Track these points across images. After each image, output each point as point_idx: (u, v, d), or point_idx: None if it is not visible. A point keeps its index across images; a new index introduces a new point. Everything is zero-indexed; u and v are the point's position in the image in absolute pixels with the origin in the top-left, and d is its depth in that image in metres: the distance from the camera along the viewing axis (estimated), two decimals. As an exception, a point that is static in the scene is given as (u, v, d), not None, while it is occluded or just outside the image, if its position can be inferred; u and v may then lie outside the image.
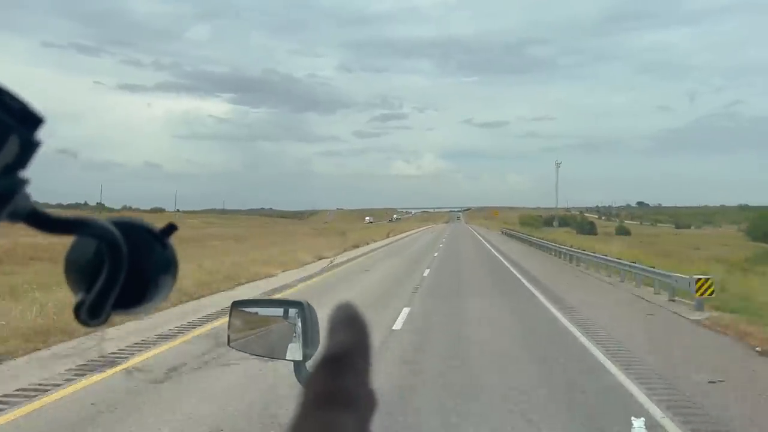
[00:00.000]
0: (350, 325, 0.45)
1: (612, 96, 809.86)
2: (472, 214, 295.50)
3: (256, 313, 1.62)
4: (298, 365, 1.36)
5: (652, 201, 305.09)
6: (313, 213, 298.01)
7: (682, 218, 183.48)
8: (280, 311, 1.48)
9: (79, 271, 0.47)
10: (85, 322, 0.45)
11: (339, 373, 0.43)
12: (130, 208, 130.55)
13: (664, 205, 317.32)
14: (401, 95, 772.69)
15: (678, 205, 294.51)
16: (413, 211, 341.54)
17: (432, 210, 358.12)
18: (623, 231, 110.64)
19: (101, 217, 0.45)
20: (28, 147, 0.38)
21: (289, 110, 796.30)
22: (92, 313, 0.45)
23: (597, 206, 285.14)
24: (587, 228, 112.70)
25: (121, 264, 0.45)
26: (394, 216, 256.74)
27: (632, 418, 4.93)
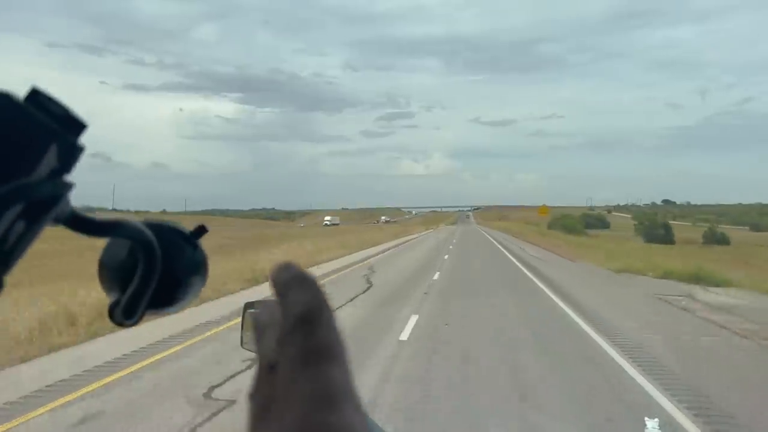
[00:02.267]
0: (302, 284, 0.43)
1: (621, 94, 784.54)
2: (483, 213, 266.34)
3: None
4: None
5: (674, 198, 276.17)
6: (305, 213, 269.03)
7: (757, 219, 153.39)
8: None
9: (113, 272, 0.48)
10: (119, 322, 0.46)
11: (317, 330, 0.41)
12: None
13: (693, 203, 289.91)
14: (408, 94, 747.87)
15: (710, 203, 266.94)
16: (413, 211, 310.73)
17: (440, 209, 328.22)
18: (718, 239, 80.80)
19: (135, 219, 0.46)
20: (72, 152, 0.39)
21: (295, 110, 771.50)
22: (127, 313, 0.46)
23: (621, 204, 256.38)
24: (660, 234, 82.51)
25: (155, 265, 0.46)
26: (382, 218, 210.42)
27: (645, 418, 4.30)
